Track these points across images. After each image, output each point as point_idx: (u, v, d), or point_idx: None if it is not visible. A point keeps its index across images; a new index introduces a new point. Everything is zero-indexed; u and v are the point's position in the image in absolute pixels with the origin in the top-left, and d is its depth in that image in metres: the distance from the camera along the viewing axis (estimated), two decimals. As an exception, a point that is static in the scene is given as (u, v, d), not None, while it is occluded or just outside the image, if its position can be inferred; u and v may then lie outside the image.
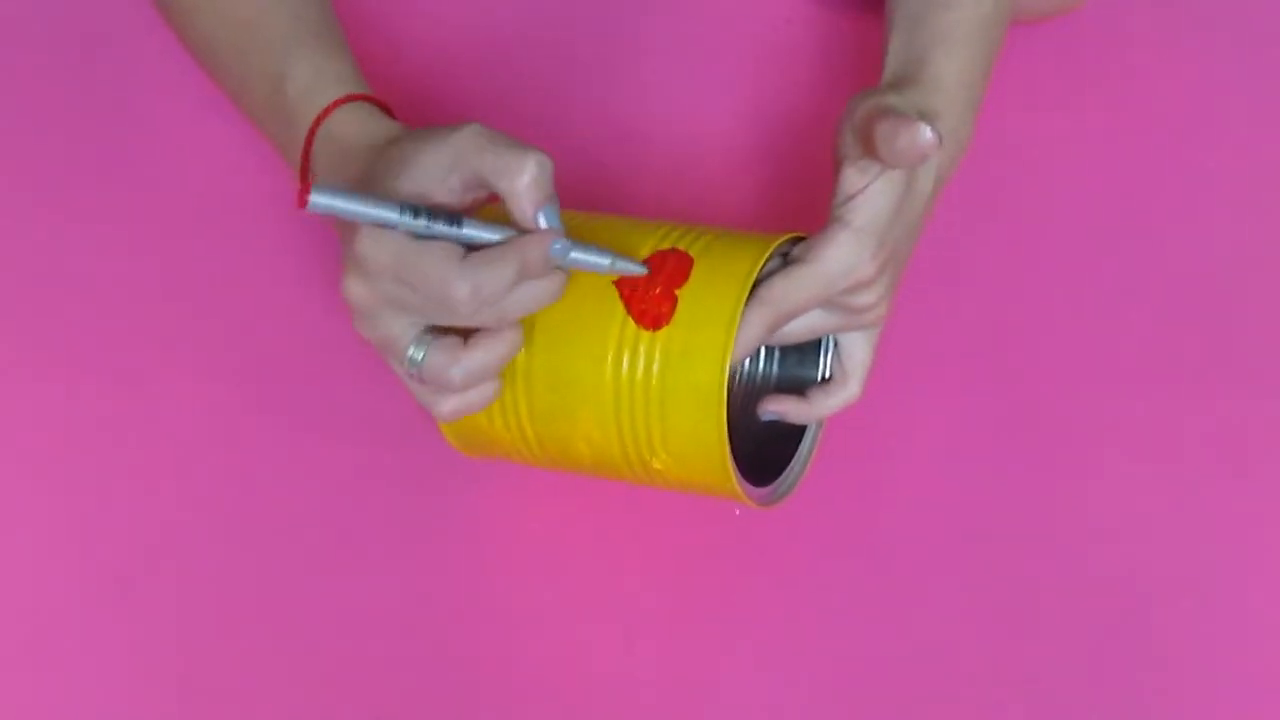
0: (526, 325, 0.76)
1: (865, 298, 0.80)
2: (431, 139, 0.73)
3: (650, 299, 0.76)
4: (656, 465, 0.78)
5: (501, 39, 1.02)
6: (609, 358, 0.76)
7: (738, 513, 0.90)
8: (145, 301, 0.94)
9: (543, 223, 0.72)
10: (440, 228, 0.71)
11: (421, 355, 0.73)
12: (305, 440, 0.91)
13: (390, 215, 0.70)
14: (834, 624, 0.88)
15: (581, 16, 1.03)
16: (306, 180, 0.83)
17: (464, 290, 0.70)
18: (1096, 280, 0.97)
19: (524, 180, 0.71)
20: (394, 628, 0.87)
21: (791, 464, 0.86)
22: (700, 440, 0.76)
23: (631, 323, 0.76)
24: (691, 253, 0.77)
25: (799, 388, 0.86)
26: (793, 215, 0.84)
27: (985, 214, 0.98)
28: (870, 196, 0.78)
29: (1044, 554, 0.89)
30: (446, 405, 0.75)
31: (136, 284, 0.95)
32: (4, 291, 0.94)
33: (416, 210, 0.71)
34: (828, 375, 0.86)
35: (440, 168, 0.72)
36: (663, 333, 0.75)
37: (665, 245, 0.78)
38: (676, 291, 0.76)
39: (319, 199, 0.68)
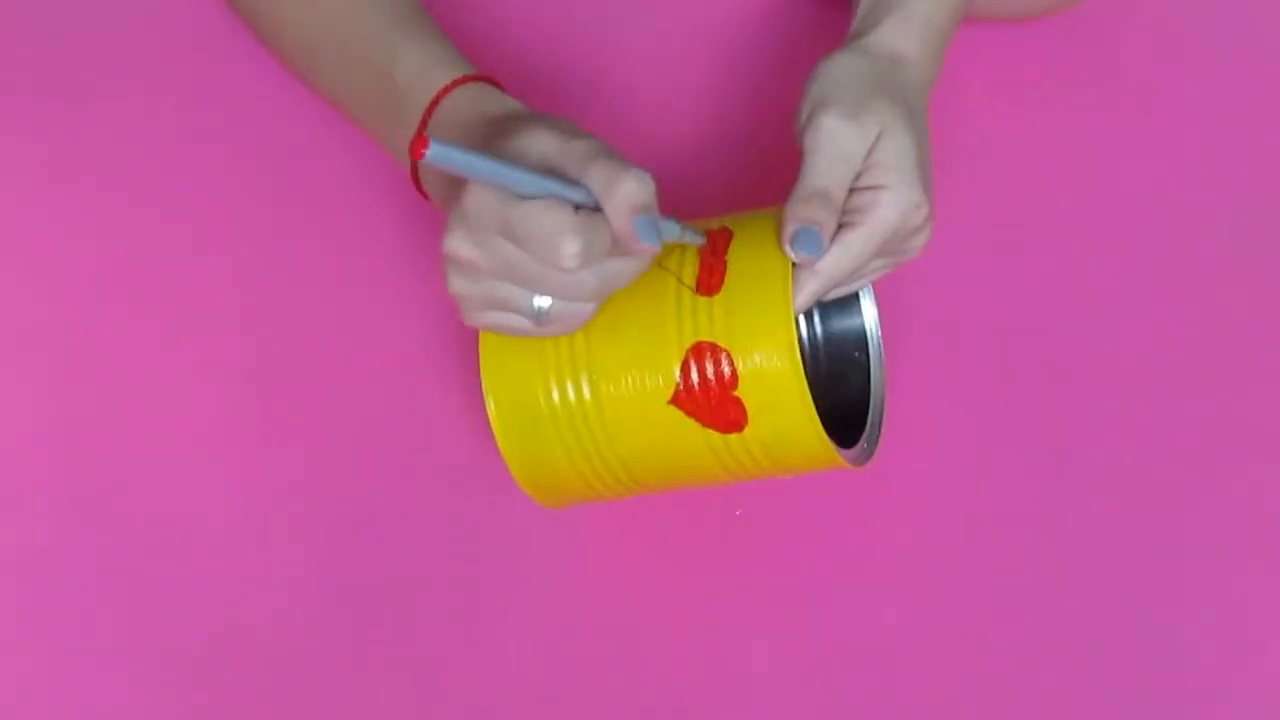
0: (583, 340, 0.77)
1: (921, 236, 0.81)
2: (553, 128, 0.74)
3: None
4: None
5: (495, 41, 1.02)
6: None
7: (739, 513, 0.90)
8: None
9: (638, 232, 0.72)
10: (552, 185, 0.71)
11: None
12: (321, 438, 0.91)
13: (505, 171, 0.70)
14: (835, 624, 0.88)
15: (572, 15, 1.03)
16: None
17: (576, 244, 0.71)
18: (1096, 279, 0.97)
19: (621, 192, 0.71)
20: (390, 626, 0.87)
21: (870, 411, 0.86)
22: (781, 387, 0.76)
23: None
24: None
25: (847, 340, 0.87)
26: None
27: (984, 212, 0.98)
28: (890, 155, 0.78)
29: (1046, 555, 0.89)
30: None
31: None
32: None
33: (532, 171, 0.71)
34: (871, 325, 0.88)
35: (545, 155, 0.73)
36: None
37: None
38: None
39: (438, 149, 0.67)
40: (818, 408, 0.77)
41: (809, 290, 0.78)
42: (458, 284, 0.74)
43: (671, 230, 0.76)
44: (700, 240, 0.78)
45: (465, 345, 0.91)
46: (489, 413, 0.78)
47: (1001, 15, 1.00)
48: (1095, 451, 0.92)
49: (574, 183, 0.72)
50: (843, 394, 0.87)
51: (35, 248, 0.95)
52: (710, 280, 0.77)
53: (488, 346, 0.79)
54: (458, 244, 0.73)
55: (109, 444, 0.91)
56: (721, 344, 0.76)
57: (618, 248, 0.73)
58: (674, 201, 0.93)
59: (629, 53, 1.02)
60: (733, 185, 0.98)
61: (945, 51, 0.86)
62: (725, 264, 0.77)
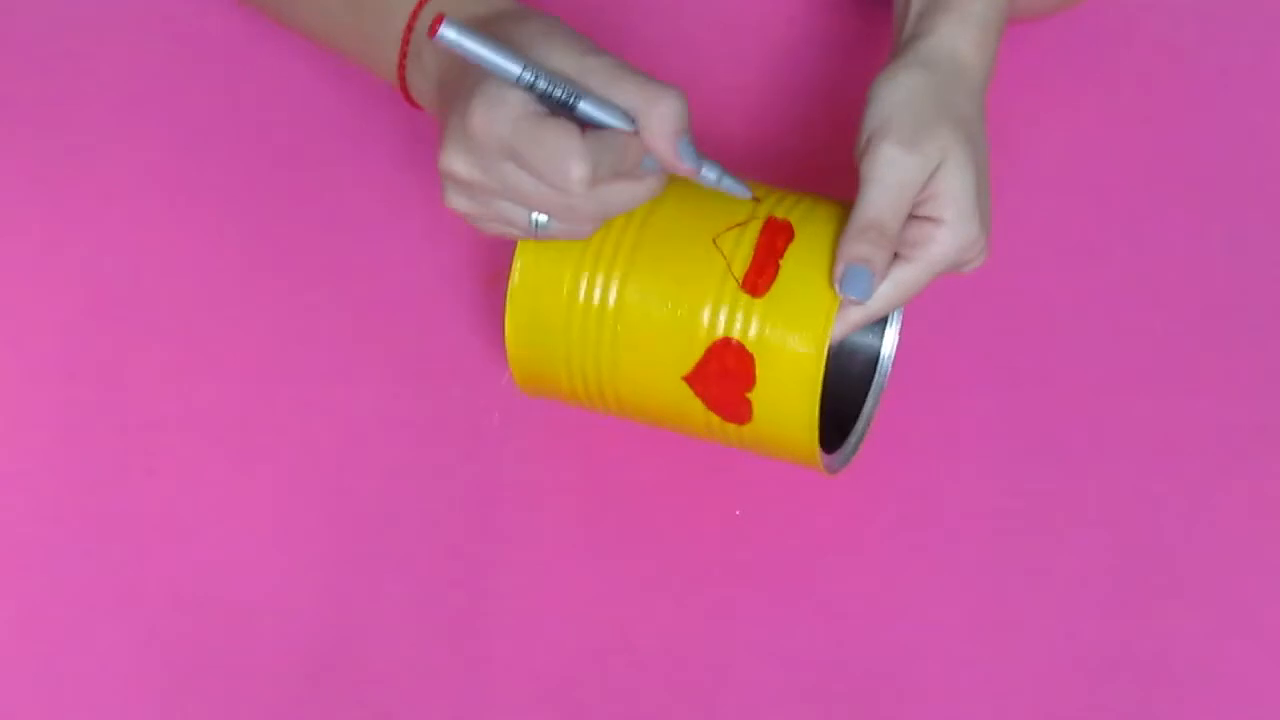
0: (625, 260, 0.76)
1: (973, 265, 0.79)
2: (565, 41, 0.72)
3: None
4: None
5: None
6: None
7: (738, 513, 0.90)
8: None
9: (682, 154, 0.71)
10: (558, 93, 0.70)
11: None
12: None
13: (513, 68, 0.69)
14: (834, 625, 0.88)
15: (581, 19, 1.03)
16: (404, 67, 0.81)
17: (584, 169, 0.69)
18: (1098, 279, 0.97)
19: (662, 112, 0.70)
20: (388, 626, 0.87)
21: (854, 429, 0.86)
22: (791, 408, 0.76)
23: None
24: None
25: (861, 350, 0.87)
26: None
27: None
28: (951, 187, 0.76)
29: (1045, 557, 0.89)
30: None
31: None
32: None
33: (538, 73, 0.70)
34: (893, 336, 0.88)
35: (564, 72, 0.71)
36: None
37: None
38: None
39: (449, 32, 0.67)
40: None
41: (851, 321, 0.76)
42: (456, 201, 0.74)
43: (712, 171, 0.74)
44: (743, 192, 0.76)
45: (480, 313, 0.92)
46: (509, 283, 0.78)
47: (1013, 15, 0.99)
48: (1095, 453, 0.92)
49: (574, 90, 0.70)
50: (841, 386, 0.87)
51: (35, 248, 0.96)
52: (759, 280, 0.75)
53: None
54: (456, 163, 0.71)
55: (113, 412, 0.92)
56: (750, 349, 0.75)
57: (622, 171, 0.71)
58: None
59: (666, 49, 1.02)
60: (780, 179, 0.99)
61: (998, 54, 0.82)
62: (778, 268, 0.75)
